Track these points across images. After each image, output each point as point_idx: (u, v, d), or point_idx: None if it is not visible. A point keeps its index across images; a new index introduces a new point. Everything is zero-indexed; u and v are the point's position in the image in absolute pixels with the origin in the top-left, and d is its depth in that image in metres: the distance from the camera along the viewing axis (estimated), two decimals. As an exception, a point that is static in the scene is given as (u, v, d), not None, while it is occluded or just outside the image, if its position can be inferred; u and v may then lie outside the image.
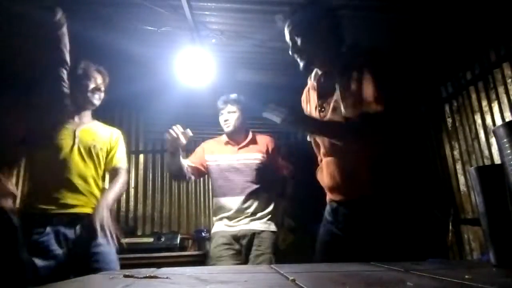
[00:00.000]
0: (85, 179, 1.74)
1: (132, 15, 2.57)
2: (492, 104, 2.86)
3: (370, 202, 1.29)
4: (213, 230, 2.41)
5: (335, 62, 1.39)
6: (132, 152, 4.27)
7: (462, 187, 3.28)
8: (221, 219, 2.36)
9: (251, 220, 2.30)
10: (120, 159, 1.95)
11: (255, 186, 2.31)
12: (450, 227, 3.26)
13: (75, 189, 1.69)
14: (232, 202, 2.30)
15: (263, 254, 2.21)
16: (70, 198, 1.66)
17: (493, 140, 2.83)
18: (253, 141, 2.42)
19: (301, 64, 1.42)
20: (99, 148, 1.84)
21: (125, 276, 0.70)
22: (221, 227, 2.34)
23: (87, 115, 1.87)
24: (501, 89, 2.77)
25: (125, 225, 3.93)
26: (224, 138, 2.46)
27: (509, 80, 2.70)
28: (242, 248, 2.26)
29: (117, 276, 0.71)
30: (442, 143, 3.54)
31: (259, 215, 2.31)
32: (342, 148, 1.32)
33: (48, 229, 1.58)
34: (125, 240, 3.35)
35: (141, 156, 4.26)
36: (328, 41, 1.39)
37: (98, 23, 2.58)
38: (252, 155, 2.37)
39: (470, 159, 3.14)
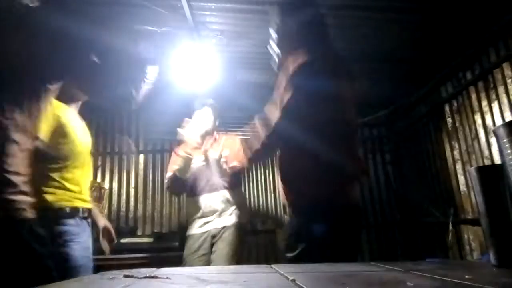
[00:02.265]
0: (90, 178, 1.79)
1: (132, 15, 2.57)
2: (492, 104, 2.86)
3: None
4: (188, 233, 2.49)
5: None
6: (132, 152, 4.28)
7: (462, 187, 3.27)
8: (194, 220, 2.46)
9: (221, 217, 2.39)
10: None
11: (224, 184, 2.42)
12: (450, 227, 3.25)
13: (87, 186, 1.74)
14: (204, 201, 2.41)
15: (228, 244, 2.31)
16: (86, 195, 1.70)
17: (493, 140, 2.83)
18: (219, 142, 2.55)
19: (276, 63, 1.54)
20: (89, 148, 1.86)
21: (125, 276, 0.70)
22: (194, 230, 2.44)
23: (78, 107, 1.82)
24: (501, 89, 2.77)
25: (125, 225, 3.93)
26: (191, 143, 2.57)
27: (509, 80, 2.69)
28: (212, 246, 2.36)
29: (117, 276, 0.71)
30: (442, 143, 3.54)
31: (227, 211, 2.41)
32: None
33: (78, 221, 1.61)
34: (125, 240, 3.36)
35: (141, 156, 4.26)
36: (297, 47, 1.41)
37: (97, 23, 2.58)
38: (217, 155, 2.47)
39: (470, 159, 3.13)
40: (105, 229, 1.94)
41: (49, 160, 1.54)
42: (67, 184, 1.58)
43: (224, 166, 2.42)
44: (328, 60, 1.38)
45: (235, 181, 2.53)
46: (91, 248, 1.64)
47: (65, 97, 1.68)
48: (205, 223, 2.41)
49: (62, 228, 1.51)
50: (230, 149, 2.48)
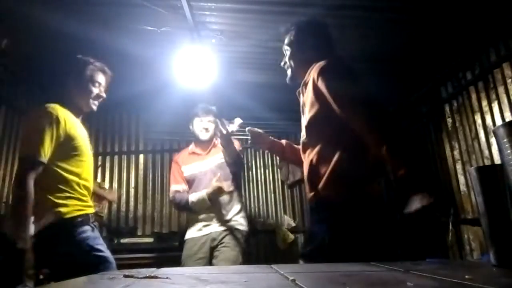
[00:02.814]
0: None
1: (132, 15, 2.57)
2: (492, 104, 2.86)
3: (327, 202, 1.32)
4: (186, 236, 2.48)
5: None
6: (131, 152, 4.28)
7: (462, 187, 3.27)
8: (193, 224, 2.45)
9: (224, 221, 2.38)
10: None
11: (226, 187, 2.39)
12: (450, 227, 3.25)
13: (90, 193, 1.76)
14: (207, 206, 2.38)
15: (229, 249, 2.29)
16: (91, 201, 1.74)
17: (493, 140, 2.83)
18: (218, 146, 2.52)
19: (288, 76, 1.59)
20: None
21: (125, 276, 0.70)
22: (193, 233, 2.43)
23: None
24: (501, 89, 2.77)
25: (125, 225, 3.93)
26: (190, 148, 2.59)
27: (509, 80, 2.69)
28: (212, 250, 2.34)
29: (117, 276, 0.71)
30: (442, 143, 3.54)
31: (230, 215, 2.40)
32: (308, 150, 1.43)
33: (93, 226, 1.64)
34: (125, 240, 3.36)
35: (141, 156, 4.26)
36: (311, 58, 1.48)
37: (98, 23, 2.58)
38: (217, 156, 2.48)
39: (470, 159, 3.13)
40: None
41: (59, 173, 1.57)
42: (77, 195, 1.62)
43: (223, 168, 2.42)
44: (343, 62, 1.45)
45: (235, 179, 2.51)
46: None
47: (73, 109, 1.70)
48: (204, 226, 2.39)
49: (82, 236, 1.55)
50: None
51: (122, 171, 4.19)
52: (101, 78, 1.75)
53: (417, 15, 2.59)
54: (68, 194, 1.58)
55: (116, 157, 4.21)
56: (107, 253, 1.60)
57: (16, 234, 1.38)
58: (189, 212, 2.53)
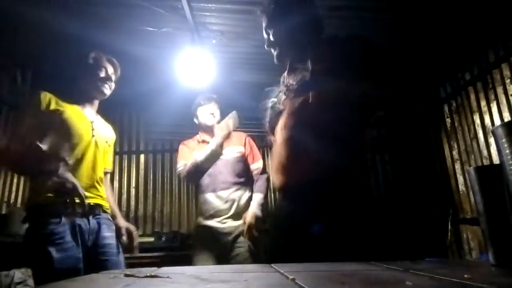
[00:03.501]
0: (96, 173, 1.69)
1: (133, 16, 2.58)
2: (491, 105, 2.87)
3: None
4: (198, 223, 2.39)
5: (307, 53, 1.32)
6: (132, 152, 4.28)
7: (461, 187, 3.28)
8: (208, 217, 2.35)
9: (238, 215, 2.31)
10: (111, 162, 1.94)
11: (238, 180, 2.34)
12: (449, 226, 3.26)
13: (89, 182, 1.64)
14: (219, 198, 2.32)
15: (243, 247, 2.25)
16: (84, 190, 1.55)
17: (491, 140, 2.84)
18: (230, 137, 2.45)
19: (275, 56, 1.42)
20: (107, 145, 1.81)
21: (126, 275, 0.70)
22: (206, 222, 2.34)
23: (96, 106, 1.80)
24: (499, 90, 2.78)
25: (125, 225, 3.94)
26: (199, 137, 2.49)
27: (507, 81, 2.70)
28: (226, 245, 2.27)
29: (118, 276, 0.71)
30: (441, 143, 3.55)
31: (237, 210, 2.32)
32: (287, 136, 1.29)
33: (63, 219, 1.48)
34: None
35: (142, 156, 4.27)
36: (299, 33, 1.35)
37: (99, 24, 2.59)
38: (231, 149, 2.40)
39: (469, 159, 3.14)
40: (127, 229, 1.79)
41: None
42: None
43: (236, 161, 2.36)
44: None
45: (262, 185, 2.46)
46: (79, 249, 1.50)
47: (76, 98, 1.69)
48: (219, 220, 2.31)
49: (47, 228, 1.44)
50: (243, 146, 2.41)
51: (123, 171, 4.20)
52: (107, 65, 1.75)
53: (417, 16, 2.60)
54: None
55: (117, 157, 4.22)
56: (57, 254, 1.40)
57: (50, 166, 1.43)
58: (200, 177, 2.36)
